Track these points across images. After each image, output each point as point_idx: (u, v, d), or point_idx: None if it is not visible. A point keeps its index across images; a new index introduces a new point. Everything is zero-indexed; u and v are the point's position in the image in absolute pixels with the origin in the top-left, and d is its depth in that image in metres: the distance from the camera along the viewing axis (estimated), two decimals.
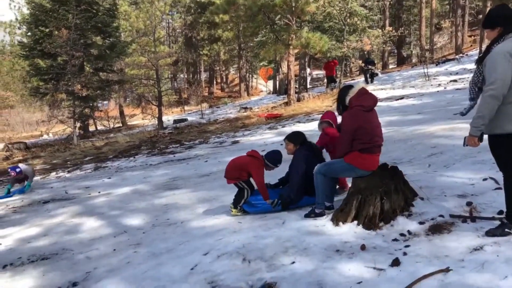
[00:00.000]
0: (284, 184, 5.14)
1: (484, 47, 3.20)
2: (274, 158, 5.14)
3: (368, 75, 19.32)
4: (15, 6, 43.48)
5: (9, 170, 9.01)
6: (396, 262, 3.12)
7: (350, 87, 4.33)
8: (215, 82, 47.99)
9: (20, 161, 9.52)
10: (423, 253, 3.22)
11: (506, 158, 3.17)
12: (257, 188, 4.95)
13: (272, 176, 5.39)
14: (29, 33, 25.35)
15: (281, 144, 9.64)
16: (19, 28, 45.29)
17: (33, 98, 28.72)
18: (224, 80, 50.24)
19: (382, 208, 3.86)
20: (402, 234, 3.60)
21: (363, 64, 19.87)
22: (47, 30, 21.64)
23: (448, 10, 36.79)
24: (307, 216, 4.36)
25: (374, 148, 4.18)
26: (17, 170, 8.78)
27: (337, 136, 4.68)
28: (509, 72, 3.01)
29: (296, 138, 5.00)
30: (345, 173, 4.29)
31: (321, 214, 4.29)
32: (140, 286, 3.55)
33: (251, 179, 5.05)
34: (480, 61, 3.26)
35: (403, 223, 3.75)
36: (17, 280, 4.16)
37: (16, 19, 44.25)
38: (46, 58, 22.01)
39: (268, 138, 11.36)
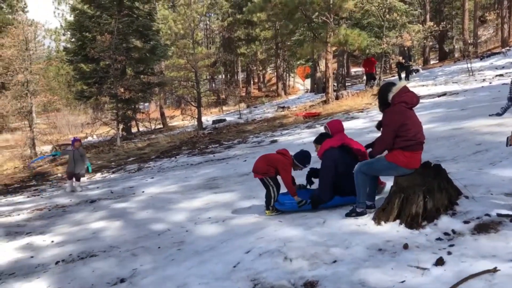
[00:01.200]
0: (309, 179, 5.19)
1: None
2: (302, 158, 5.19)
3: (402, 72, 18.95)
4: (59, 13, 45.31)
5: (73, 138, 9.97)
6: (440, 262, 3.07)
7: (393, 84, 4.26)
8: (252, 82, 48.25)
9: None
10: (468, 252, 3.15)
11: None
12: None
13: (301, 177, 5.42)
14: (73, 39, 26.41)
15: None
16: (63, 35, 47.31)
17: (78, 102, 29.86)
18: (261, 79, 50.41)
19: (425, 207, 3.79)
20: (446, 233, 3.53)
21: (401, 60, 19.52)
22: (91, 35, 22.45)
23: (493, 2, 35.39)
24: (348, 215, 4.34)
25: (417, 145, 4.10)
26: (77, 138, 9.97)
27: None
28: None
29: (322, 139, 5.00)
30: (387, 172, 4.22)
31: (362, 213, 4.27)
32: (184, 282, 3.64)
33: (278, 178, 5.11)
34: None
35: (447, 222, 3.68)
36: (69, 275, 4.35)
37: (61, 26, 46.18)
38: (90, 62, 22.84)
39: (306, 137, 11.34)
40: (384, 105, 4.23)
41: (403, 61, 19.25)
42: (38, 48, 22.85)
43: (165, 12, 33.36)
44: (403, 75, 19.38)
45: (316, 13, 17.09)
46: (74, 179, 9.63)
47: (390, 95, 4.14)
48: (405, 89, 4.16)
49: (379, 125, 4.45)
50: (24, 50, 19.57)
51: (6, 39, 20.88)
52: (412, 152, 4.07)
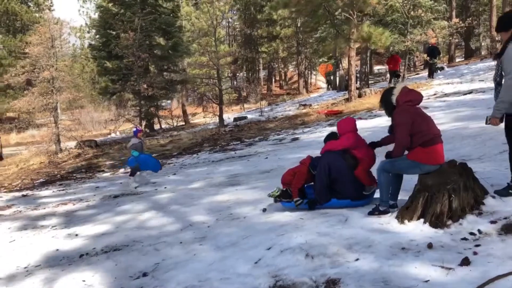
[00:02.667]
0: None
1: None
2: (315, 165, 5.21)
3: (433, 69, 18.61)
4: (84, 12, 46.15)
5: (136, 127, 9.89)
6: (466, 262, 3.02)
7: (392, 88, 4.39)
8: (273, 80, 48.18)
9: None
10: (495, 253, 3.09)
11: None
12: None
13: None
14: (97, 36, 26.88)
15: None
16: (88, 32, 48.12)
17: (102, 98, 30.36)
18: (283, 77, 50.29)
19: (450, 206, 3.73)
20: (471, 233, 3.47)
21: (427, 57, 19.19)
22: (115, 33, 22.79)
23: None
24: (370, 213, 4.32)
25: (435, 138, 4.09)
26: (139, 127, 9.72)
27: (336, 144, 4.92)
28: None
29: (327, 139, 5.23)
30: (410, 170, 4.17)
31: (385, 212, 4.23)
32: (206, 277, 3.67)
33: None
34: (498, 57, 3.96)
35: (472, 222, 3.62)
36: (93, 268, 4.42)
37: (86, 23, 47.00)
38: (114, 59, 23.19)
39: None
40: (390, 109, 4.31)
41: (428, 58, 18.91)
42: (63, 46, 23.28)
43: (188, 9, 33.55)
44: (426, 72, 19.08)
45: (339, 10, 16.93)
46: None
47: (393, 98, 4.24)
48: (406, 89, 4.28)
49: (391, 129, 4.50)
50: (50, 48, 19.96)
51: (33, 36, 21.37)
52: (432, 147, 4.06)
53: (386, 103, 4.35)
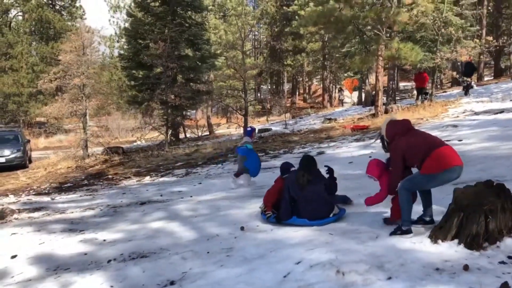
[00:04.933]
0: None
1: None
2: (281, 171, 6.11)
3: (464, 87, 18.34)
4: (114, 21, 47.23)
5: (250, 127, 9.83)
6: (505, 286, 2.93)
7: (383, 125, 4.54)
8: (297, 93, 48.22)
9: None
10: None
11: None
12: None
13: None
14: (125, 46, 27.46)
15: (370, 157, 9.45)
16: (117, 42, 49.25)
17: (129, 106, 30.90)
18: (307, 90, 50.30)
19: (486, 227, 3.63)
20: (510, 257, 3.37)
21: (457, 76, 18.94)
22: (144, 43, 23.24)
23: None
24: (393, 234, 4.23)
25: (435, 144, 4.13)
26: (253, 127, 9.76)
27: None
28: None
29: (281, 171, 6.09)
30: (430, 184, 4.18)
31: (407, 232, 4.14)
32: None
33: None
34: None
35: (511, 245, 3.51)
36: (120, 274, 4.45)
37: (115, 33, 48.13)
38: (143, 69, 23.62)
39: (354, 151, 11.15)
40: (387, 146, 4.49)
41: (457, 76, 18.65)
42: (93, 54, 23.84)
43: (216, 22, 34.06)
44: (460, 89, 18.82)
45: (369, 26, 16.91)
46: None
47: (384, 136, 4.41)
48: (390, 123, 4.40)
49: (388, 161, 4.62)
50: (81, 55, 20.48)
51: (65, 44, 22.00)
52: (435, 151, 4.03)
53: (383, 142, 4.54)
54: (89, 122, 21.48)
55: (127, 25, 28.59)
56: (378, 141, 4.69)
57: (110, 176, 13.47)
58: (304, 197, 5.20)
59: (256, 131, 8.99)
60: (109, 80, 42.17)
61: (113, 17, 48.73)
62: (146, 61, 21.38)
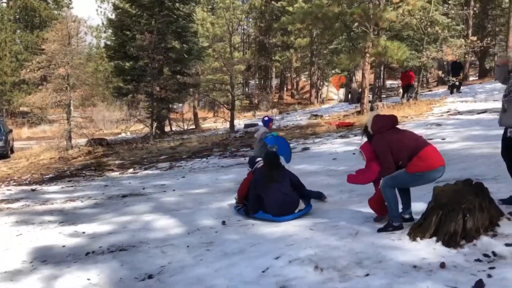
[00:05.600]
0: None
1: None
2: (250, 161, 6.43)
3: (449, 86, 18.52)
4: (101, 12, 46.66)
5: (268, 116, 9.25)
6: (479, 284, 2.95)
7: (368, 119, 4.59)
8: (285, 88, 48.22)
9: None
10: (510, 277, 3.02)
11: None
12: None
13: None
14: (113, 37, 27.10)
15: (353, 153, 9.49)
16: (104, 32, 48.63)
17: (114, 98, 30.59)
18: (295, 86, 50.33)
19: (464, 225, 3.66)
20: (486, 255, 3.40)
21: (443, 75, 19.10)
22: (131, 34, 22.97)
23: None
24: (383, 230, 4.23)
25: (421, 144, 4.18)
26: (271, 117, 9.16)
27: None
28: None
29: (249, 164, 6.38)
30: (415, 183, 4.21)
31: (399, 228, 4.16)
32: (212, 284, 3.64)
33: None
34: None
35: (487, 244, 3.54)
36: (98, 267, 4.40)
37: (102, 23, 47.53)
38: (129, 60, 23.35)
39: (339, 147, 11.18)
40: (371, 140, 4.50)
41: (443, 76, 18.80)
42: (79, 44, 23.48)
43: (203, 15, 33.80)
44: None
45: (356, 24, 16.94)
46: None
47: (369, 128, 4.43)
48: (376, 117, 4.45)
49: None
50: (66, 45, 20.15)
51: (50, 33, 21.62)
52: (424, 150, 4.09)
53: (366, 135, 4.57)
54: (73, 113, 21.15)
55: (113, 15, 28.19)
56: (364, 137, 4.69)
57: (93, 168, 13.31)
58: (269, 194, 5.30)
59: (273, 121, 8.71)
60: (95, 71, 41.66)
61: (100, 7, 47.98)
62: (132, 53, 21.13)
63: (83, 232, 5.71)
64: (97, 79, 41.25)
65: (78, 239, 5.45)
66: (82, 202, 7.87)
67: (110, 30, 39.40)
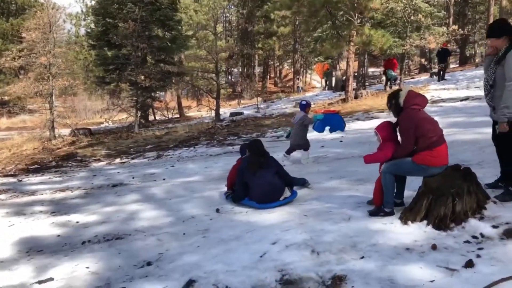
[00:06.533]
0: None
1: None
2: (241, 149, 6.48)
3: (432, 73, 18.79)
4: None
5: (305, 100, 8.78)
6: (469, 264, 3.10)
7: (399, 90, 4.47)
8: (268, 77, 48.16)
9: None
10: (498, 256, 3.18)
11: None
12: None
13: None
14: (93, 25, 26.58)
15: (341, 141, 9.66)
16: (84, 20, 47.72)
17: (96, 87, 30.17)
18: (278, 74, 50.31)
19: (453, 209, 3.81)
20: (474, 237, 3.56)
21: (426, 63, 19.38)
22: (114, 21, 22.63)
23: None
24: (374, 214, 4.35)
25: (440, 139, 4.19)
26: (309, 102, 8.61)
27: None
28: None
29: (240, 151, 6.50)
30: (416, 173, 4.26)
31: (391, 213, 4.28)
32: (211, 269, 3.71)
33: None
34: (498, 62, 4.10)
35: (475, 226, 3.70)
36: (96, 256, 4.45)
37: (82, 11, 46.63)
38: (112, 48, 23.04)
39: (325, 135, 11.28)
40: (398, 111, 4.39)
41: (426, 63, 19.08)
42: (59, 32, 23.00)
43: (187, 2, 33.41)
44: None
45: (341, 12, 17.02)
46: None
47: (401, 100, 4.30)
48: (412, 93, 4.36)
49: (395, 126, 4.52)
50: (47, 33, 19.78)
51: (30, 21, 21.17)
52: (438, 148, 4.15)
53: (393, 105, 4.43)
54: (55, 102, 20.86)
55: (93, 3, 27.70)
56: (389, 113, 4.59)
57: (79, 158, 13.23)
58: (255, 181, 5.44)
59: (311, 105, 8.55)
60: (75, 60, 40.96)
61: None
62: (115, 41, 20.86)
63: (77, 222, 5.74)
64: (77, 68, 40.65)
65: (72, 229, 5.48)
66: (72, 192, 7.86)
67: (90, 18, 38.70)
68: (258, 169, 5.51)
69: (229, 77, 43.51)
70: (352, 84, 18.51)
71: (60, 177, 9.97)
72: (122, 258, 4.35)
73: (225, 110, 25.88)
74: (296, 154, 8.41)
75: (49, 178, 9.98)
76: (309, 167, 7.72)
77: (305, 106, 8.32)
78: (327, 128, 8.21)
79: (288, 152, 8.35)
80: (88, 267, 4.14)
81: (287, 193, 5.55)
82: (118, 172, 9.75)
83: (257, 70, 47.38)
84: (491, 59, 4.31)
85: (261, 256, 3.80)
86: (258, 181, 5.42)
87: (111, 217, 5.83)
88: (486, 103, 4.49)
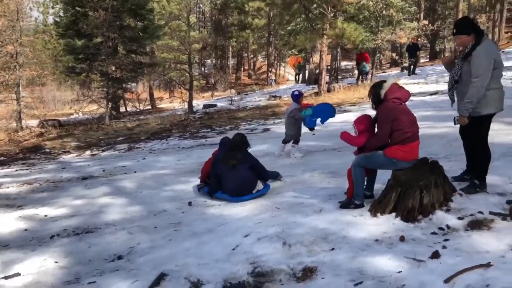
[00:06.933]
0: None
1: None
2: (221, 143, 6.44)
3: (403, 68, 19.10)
4: None
5: (298, 90, 8.23)
6: (436, 255, 3.20)
7: (383, 81, 4.45)
8: (242, 69, 48.01)
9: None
10: (462, 247, 3.28)
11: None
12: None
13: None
14: (60, 13, 25.82)
15: (313, 134, 9.73)
16: (52, 8, 46.37)
17: (65, 77, 29.44)
18: (252, 67, 50.21)
19: (421, 201, 3.92)
20: (440, 228, 3.66)
21: (396, 57, 19.70)
22: (83, 10, 22.06)
23: (486, 4, 35.70)
24: (344, 207, 4.42)
25: (414, 136, 4.26)
26: (301, 92, 8.13)
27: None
28: (491, 67, 4.01)
29: (219, 145, 6.44)
30: (386, 166, 4.33)
31: (361, 206, 4.36)
32: (183, 262, 3.70)
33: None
34: (464, 58, 4.17)
35: (441, 218, 3.81)
36: (65, 250, 4.36)
37: None
38: (81, 38, 22.47)
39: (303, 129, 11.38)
40: (377, 102, 4.41)
41: (397, 57, 19.41)
42: (25, 20, 22.30)
43: None
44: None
45: (314, 5, 17.09)
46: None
47: (382, 92, 4.31)
48: (396, 86, 4.38)
49: (374, 121, 4.55)
50: (15, 21, 19.15)
51: None
52: (410, 144, 4.22)
53: (374, 96, 4.42)
54: (22, 92, 20.26)
55: None
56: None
57: (47, 150, 12.90)
58: (228, 174, 5.49)
59: (304, 95, 8.17)
60: (43, 49, 39.78)
61: None
62: (85, 30, 20.36)
63: (45, 215, 5.61)
64: (46, 57, 39.48)
65: (41, 223, 5.35)
66: (40, 185, 7.66)
67: (58, 6, 37.63)
68: (231, 163, 5.54)
69: (203, 69, 43.17)
70: (325, 78, 18.67)
71: (27, 169, 9.70)
72: (92, 252, 4.28)
73: (198, 102, 25.70)
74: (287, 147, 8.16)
75: (16, 170, 9.70)
76: (282, 159, 7.75)
77: (298, 97, 7.84)
78: (318, 120, 7.72)
79: (284, 142, 8.06)
80: (56, 262, 4.06)
81: (259, 186, 5.58)
82: (88, 165, 9.56)
83: (231, 62, 47.12)
84: (451, 67, 4.46)
85: (233, 249, 3.81)
86: (231, 174, 5.45)
87: (80, 210, 5.72)
88: (448, 97, 4.59)
